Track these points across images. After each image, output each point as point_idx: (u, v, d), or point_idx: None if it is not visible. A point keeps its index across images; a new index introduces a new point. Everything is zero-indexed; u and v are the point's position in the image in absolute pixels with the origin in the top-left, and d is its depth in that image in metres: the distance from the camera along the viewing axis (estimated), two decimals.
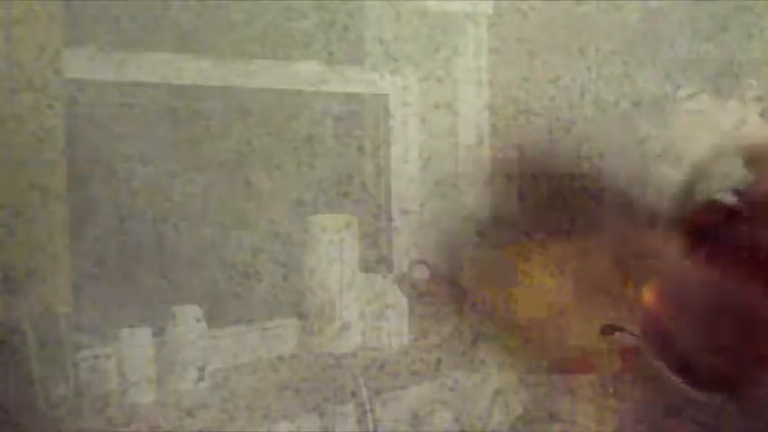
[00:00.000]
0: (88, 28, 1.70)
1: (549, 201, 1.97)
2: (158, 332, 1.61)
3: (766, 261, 0.75)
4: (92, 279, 1.97)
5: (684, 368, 0.93)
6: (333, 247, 1.83)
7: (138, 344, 1.54)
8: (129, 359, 1.53)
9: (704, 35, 1.61)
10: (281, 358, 1.86)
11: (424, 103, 2.10)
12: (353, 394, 1.50)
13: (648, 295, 0.87)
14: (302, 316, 1.90)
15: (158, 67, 1.70)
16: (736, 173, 0.81)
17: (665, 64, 1.49)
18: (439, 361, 1.97)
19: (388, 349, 1.91)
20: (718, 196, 0.81)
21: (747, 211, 0.75)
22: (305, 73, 1.94)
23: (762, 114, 1.47)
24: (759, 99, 1.46)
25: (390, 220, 2.10)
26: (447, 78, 2.05)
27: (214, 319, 1.71)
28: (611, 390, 2.25)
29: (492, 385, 1.99)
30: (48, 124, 0.99)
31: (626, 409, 1.70)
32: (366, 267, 2.04)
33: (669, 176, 1.47)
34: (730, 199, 0.79)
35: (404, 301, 1.95)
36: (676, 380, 0.97)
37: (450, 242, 2.07)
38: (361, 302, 1.90)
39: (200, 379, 1.62)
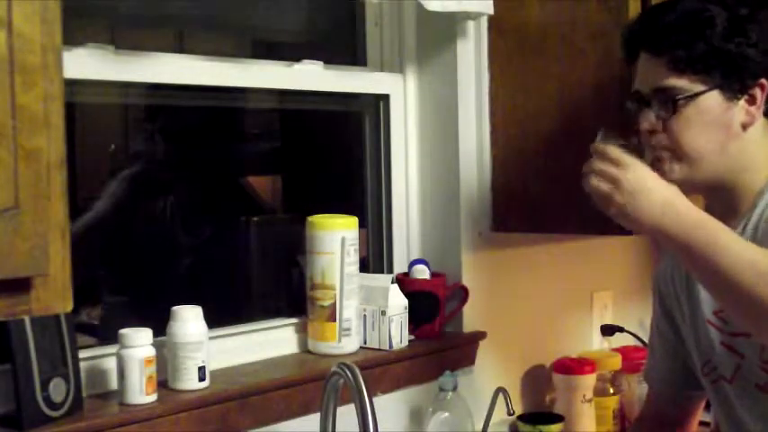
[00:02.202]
0: (88, 28, 1.70)
1: (550, 200, 1.97)
2: (158, 332, 1.61)
3: None
4: (92, 279, 1.98)
5: None
6: (333, 247, 1.83)
7: (138, 344, 1.54)
8: (129, 359, 1.53)
9: None
10: (281, 358, 1.86)
11: (423, 103, 2.10)
12: (353, 394, 1.50)
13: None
14: (302, 316, 1.90)
15: (158, 67, 1.70)
16: None
17: (665, 63, 1.49)
18: (439, 361, 1.97)
19: (387, 349, 1.91)
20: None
21: None
22: (305, 73, 1.94)
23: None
24: None
25: (390, 220, 2.10)
26: (447, 78, 2.05)
27: (214, 319, 1.71)
28: (611, 390, 2.25)
29: (492, 385, 1.99)
30: (48, 124, 0.98)
31: None
32: (366, 267, 2.04)
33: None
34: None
35: (404, 301, 1.94)
36: None
37: (450, 242, 2.07)
38: (361, 302, 1.90)
39: (201, 379, 1.62)
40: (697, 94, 1.44)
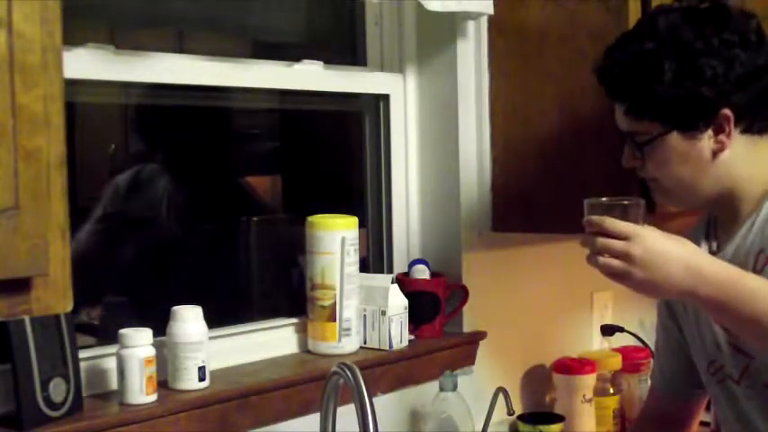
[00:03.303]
0: (88, 28, 1.70)
1: (550, 200, 1.97)
2: (158, 332, 1.61)
3: None
4: (92, 279, 1.97)
5: None
6: (333, 247, 1.83)
7: (138, 344, 1.54)
8: (129, 359, 1.53)
9: None
10: (281, 358, 1.86)
11: (423, 103, 2.10)
12: (353, 394, 1.50)
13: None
14: (302, 316, 1.90)
15: (158, 67, 1.70)
16: None
17: (623, 109, 1.50)
18: (439, 361, 1.97)
19: (387, 349, 1.91)
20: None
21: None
22: (305, 73, 1.94)
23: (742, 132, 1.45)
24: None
25: (390, 220, 2.10)
26: (447, 78, 2.05)
27: (214, 319, 1.71)
28: (611, 390, 2.25)
29: (492, 385, 1.99)
30: (48, 124, 0.98)
31: None
32: (366, 267, 2.04)
33: None
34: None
35: (404, 302, 1.95)
36: None
37: (450, 242, 2.07)
38: (361, 302, 1.90)
39: (201, 379, 1.62)
40: (657, 136, 1.44)
